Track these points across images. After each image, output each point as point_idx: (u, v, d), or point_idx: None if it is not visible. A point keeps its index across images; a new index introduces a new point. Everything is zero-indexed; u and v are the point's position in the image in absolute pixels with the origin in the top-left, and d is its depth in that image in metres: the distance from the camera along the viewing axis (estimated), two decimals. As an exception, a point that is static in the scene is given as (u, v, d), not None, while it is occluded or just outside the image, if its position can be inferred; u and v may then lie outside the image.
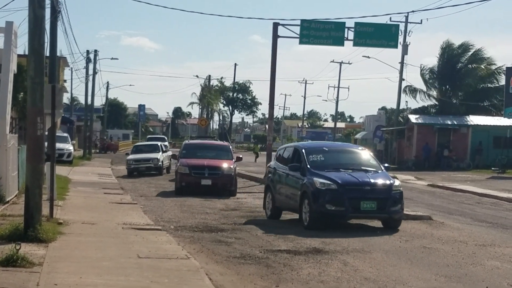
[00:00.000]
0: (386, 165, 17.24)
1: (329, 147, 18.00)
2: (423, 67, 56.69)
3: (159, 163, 35.72)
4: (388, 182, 15.46)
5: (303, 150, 16.61)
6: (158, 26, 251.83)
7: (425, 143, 46.37)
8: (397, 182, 15.71)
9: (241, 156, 29.88)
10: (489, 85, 55.52)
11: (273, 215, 17.46)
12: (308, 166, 15.92)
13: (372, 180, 15.36)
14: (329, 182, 15.10)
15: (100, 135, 77.28)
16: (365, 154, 17.19)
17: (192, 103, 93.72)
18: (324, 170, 15.67)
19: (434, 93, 57.08)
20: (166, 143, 58.52)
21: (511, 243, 13.97)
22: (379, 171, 16.08)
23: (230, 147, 28.58)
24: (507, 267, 11.26)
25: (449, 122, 47.97)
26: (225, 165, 24.78)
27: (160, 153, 36.84)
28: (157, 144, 39.21)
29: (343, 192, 14.95)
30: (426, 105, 57.56)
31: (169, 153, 38.37)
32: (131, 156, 36.44)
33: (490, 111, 53.65)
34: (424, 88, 57.01)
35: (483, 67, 54.51)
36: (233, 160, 25.89)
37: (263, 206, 18.24)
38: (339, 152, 17.59)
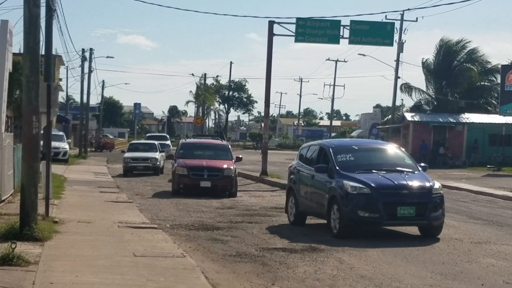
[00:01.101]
0: (422, 164, 15.19)
1: (359, 145, 16.21)
2: (425, 60, 56.81)
3: (157, 163, 35.20)
4: (427, 184, 14.02)
5: (330, 149, 15.06)
6: (154, 24, 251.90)
7: (421, 141, 46.36)
8: (437, 185, 14.21)
9: (241, 156, 28.36)
10: (485, 83, 55.63)
11: (297, 221, 15.86)
12: (337, 167, 14.37)
13: (409, 183, 13.82)
14: (361, 185, 13.61)
15: (96, 133, 77.13)
16: (399, 152, 15.64)
17: (188, 102, 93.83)
18: (354, 172, 14.18)
19: (430, 90, 57.19)
20: (168, 142, 55.57)
21: (506, 240, 14.00)
22: (416, 172, 14.56)
23: (229, 146, 27.39)
24: (502, 264, 11.29)
25: (445, 120, 48.02)
26: (225, 165, 23.74)
27: (158, 152, 36.43)
28: (154, 143, 38.69)
29: (377, 196, 13.46)
30: (422, 103, 57.65)
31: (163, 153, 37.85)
32: (128, 154, 35.51)
33: (486, 108, 53.71)
34: (422, 85, 57.33)
35: (476, 65, 54.58)
36: (233, 160, 24.90)
37: (285, 210, 16.67)
38: (370, 150, 15.88)
